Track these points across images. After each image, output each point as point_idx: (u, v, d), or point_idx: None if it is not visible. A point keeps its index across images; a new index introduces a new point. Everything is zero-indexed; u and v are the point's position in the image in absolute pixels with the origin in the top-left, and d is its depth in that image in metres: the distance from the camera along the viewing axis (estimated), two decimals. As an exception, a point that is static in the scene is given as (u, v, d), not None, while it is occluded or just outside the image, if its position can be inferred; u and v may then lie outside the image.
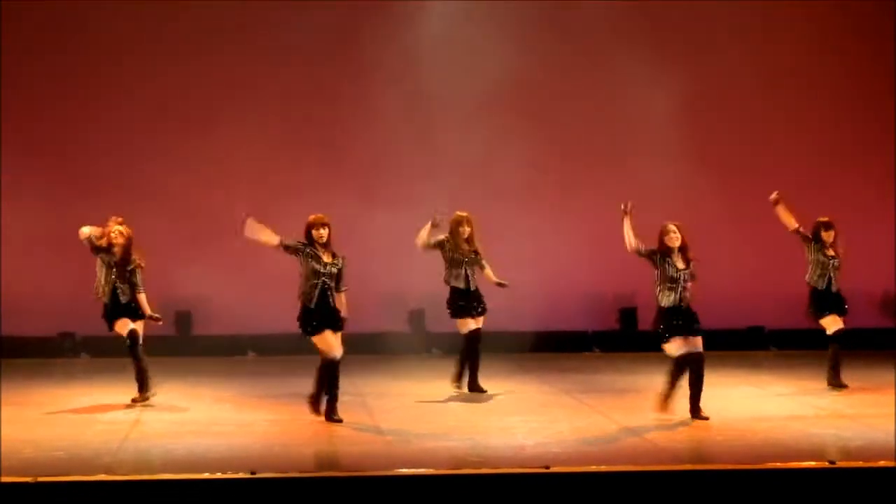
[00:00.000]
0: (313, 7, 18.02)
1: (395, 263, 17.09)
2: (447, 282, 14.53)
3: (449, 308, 14.53)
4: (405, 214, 17.65)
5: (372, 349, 17.18)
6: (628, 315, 18.34)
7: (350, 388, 14.47)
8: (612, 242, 17.36)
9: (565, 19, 18.31)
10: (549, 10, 18.35)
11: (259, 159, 17.74)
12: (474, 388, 14.45)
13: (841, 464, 10.55)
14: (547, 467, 10.38)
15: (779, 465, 10.61)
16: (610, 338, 18.34)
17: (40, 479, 9.93)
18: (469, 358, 14.50)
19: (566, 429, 12.35)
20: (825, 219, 14.70)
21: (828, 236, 14.63)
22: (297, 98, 18.13)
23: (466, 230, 14.55)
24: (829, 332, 14.62)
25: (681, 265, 12.92)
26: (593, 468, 10.49)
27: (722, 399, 14.15)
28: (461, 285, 14.47)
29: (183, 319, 18.00)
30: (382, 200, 17.50)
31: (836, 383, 14.56)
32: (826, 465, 10.52)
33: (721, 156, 18.38)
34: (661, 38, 18.17)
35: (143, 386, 13.66)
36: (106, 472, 10.22)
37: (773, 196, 14.52)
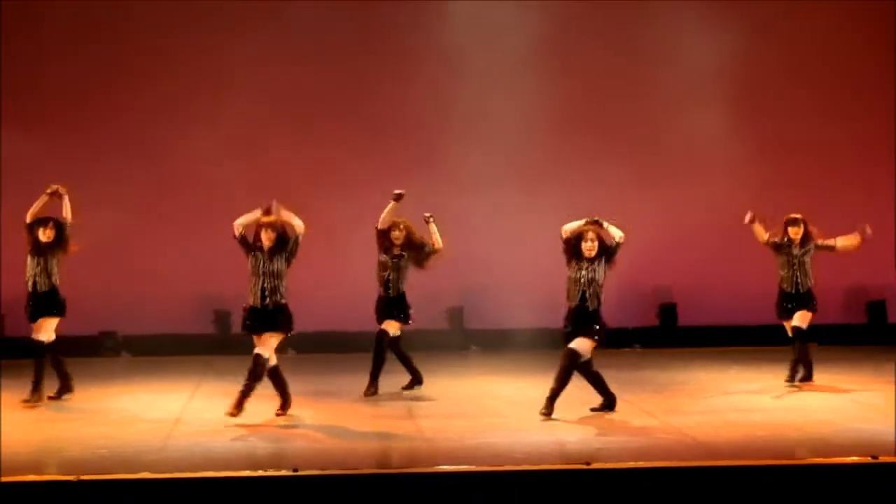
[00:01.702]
0: (350, 3, 17.97)
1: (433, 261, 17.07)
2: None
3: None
4: (443, 213, 17.65)
5: (411, 347, 17.14)
6: (668, 311, 18.30)
7: (391, 386, 14.49)
8: (652, 237, 17.40)
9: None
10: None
11: (300, 157, 17.72)
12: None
13: (883, 458, 10.47)
14: (588, 463, 10.37)
15: (821, 460, 10.58)
16: (650, 333, 18.30)
17: (83, 477, 9.99)
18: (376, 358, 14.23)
19: (607, 425, 12.34)
20: (792, 215, 14.57)
21: (794, 233, 14.50)
22: (339, 94, 18.05)
23: (397, 235, 14.20)
24: (794, 324, 14.48)
25: (585, 263, 12.67)
26: (634, 464, 10.47)
27: (763, 394, 14.12)
28: (381, 291, 14.20)
29: (222, 318, 18.03)
30: (419, 198, 17.46)
31: (790, 381, 14.47)
32: (868, 460, 10.46)
33: (771, 148, 18.17)
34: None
35: (39, 387, 13.66)
36: (149, 471, 10.26)
37: (748, 218, 14.49)
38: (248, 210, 12.74)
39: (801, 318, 14.54)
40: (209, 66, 17.87)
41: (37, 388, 13.64)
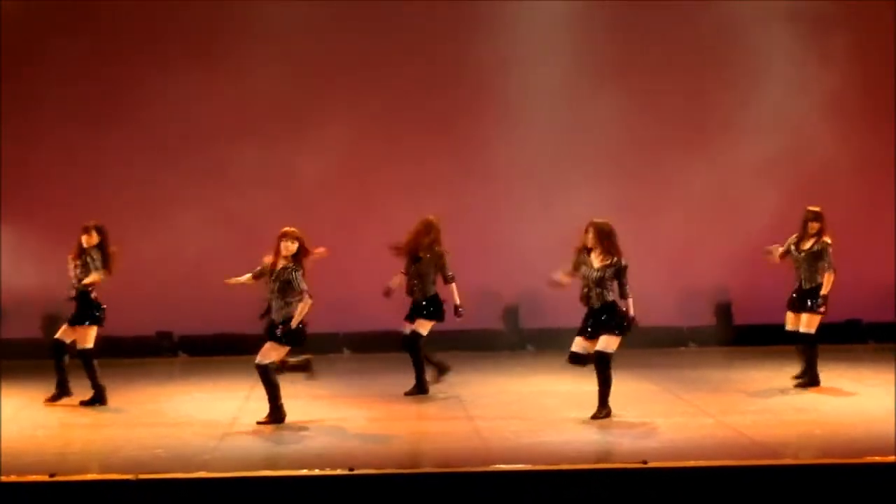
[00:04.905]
0: (423, 5, 17.84)
1: (489, 260, 17.07)
2: None
3: None
4: (498, 212, 17.65)
5: (466, 346, 17.18)
6: (724, 309, 18.20)
7: (445, 386, 14.51)
8: (707, 237, 17.32)
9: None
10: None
11: (365, 159, 17.63)
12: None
13: (947, 457, 10.41)
14: (644, 462, 10.35)
15: (878, 459, 10.50)
16: (705, 332, 18.21)
17: (141, 476, 10.07)
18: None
19: (663, 424, 12.30)
20: (812, 209, 14.25)
21: (812, 228, 14.18)
22: (406, 96, 17.94)
23: (425, 239, 14.19)
24: (802, 330, 14.25)
25: (596, 264, 12.69)
26: (690, 463, 10.46)
27: (819, 393, 14.03)
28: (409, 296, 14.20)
29: (277, 318, 18.04)
30: (476, 199, 17.46)
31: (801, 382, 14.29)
32: (929, 457, 10.40)
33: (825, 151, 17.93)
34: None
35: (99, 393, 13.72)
36: (205, 470, 10.34)
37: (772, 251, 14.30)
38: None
39: (808, 323, 14.24)
40: (291, 69, 17.70)
41: (97, 390, 13.73)
